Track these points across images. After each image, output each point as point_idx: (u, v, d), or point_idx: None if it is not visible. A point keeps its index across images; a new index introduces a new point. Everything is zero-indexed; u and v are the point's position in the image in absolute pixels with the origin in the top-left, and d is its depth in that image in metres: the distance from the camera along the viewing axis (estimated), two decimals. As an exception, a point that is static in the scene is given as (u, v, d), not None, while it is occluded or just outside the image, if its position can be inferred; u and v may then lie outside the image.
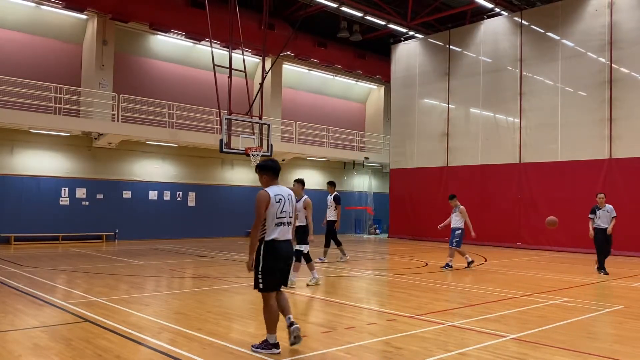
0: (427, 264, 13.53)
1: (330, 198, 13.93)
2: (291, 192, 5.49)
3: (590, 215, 12.10)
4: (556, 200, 18.92)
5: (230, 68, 18.19)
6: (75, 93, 19.36)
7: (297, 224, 9.21)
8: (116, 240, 19.93)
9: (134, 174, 20.81)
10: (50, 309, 7.19)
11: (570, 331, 6.26)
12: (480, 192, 21.31)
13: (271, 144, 18.93)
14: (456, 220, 12.66)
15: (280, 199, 5.23)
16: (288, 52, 23.90)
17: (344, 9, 21.26)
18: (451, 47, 23.03)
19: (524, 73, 20.42)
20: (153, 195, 21.20)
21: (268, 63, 21.19)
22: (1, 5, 18.70)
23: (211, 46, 18.27)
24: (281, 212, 5.22)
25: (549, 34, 19.88)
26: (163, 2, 20.16)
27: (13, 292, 8.39)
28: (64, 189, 19.07)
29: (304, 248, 9.63)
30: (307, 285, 9.55)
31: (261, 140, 18.84)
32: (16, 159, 18.24)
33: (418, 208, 23.55)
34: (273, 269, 5.15)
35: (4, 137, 17.86)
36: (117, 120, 19.25)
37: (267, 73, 20.67)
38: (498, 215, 20.57)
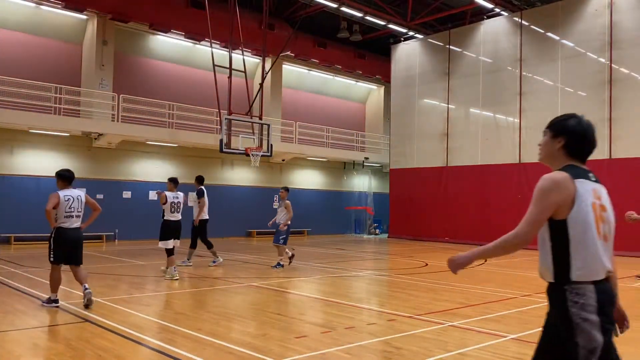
0: (427, 264, 13.53)
1: (193, 194, 13.08)
2: (81, 194, 7.36)
3: None
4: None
5: (230, 68, 18.19)
6: (75, 93, 19.33)
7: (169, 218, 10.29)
8: (116, 240, 19.92)
9: (133, 174, 20.79)
10: (50, 309, 7.19)
11: (570, 331, 6.25)
12: (480, 192, 21.30)
13: (271, 144, 18.93)
14: (281, 216, 12.05)
15: (68, 198, 7.20)
16: (288, 52, 23.87)
17: (344, 9, 21.24)
18: (451, 47, 23.02)
19: (524, 73, 20.42)
20: (153, 195, 21.16)
21: (268, 63, 21.18)
22: (1, 5, 18.68)
23: (211, 46, 18.27)
24: (69, 208, 7.19)
25: (549, 34, 19.87)
26: (163, 2, 20.13)
27: (13, 292, 8.39)
28: (64, 189, 19.03)
29: (161, 244, 10.22)
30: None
31: (261, 140, 18.84)
32: (16, 159, 18.23)
33: (418, 208, 23.53)
34: (60, 247, 7.20)
35: (4, 137, 17.84)
36: (117, 121, 19.23)
37: (267, 73, 20.68)
38: (498, 215, 20.53)
